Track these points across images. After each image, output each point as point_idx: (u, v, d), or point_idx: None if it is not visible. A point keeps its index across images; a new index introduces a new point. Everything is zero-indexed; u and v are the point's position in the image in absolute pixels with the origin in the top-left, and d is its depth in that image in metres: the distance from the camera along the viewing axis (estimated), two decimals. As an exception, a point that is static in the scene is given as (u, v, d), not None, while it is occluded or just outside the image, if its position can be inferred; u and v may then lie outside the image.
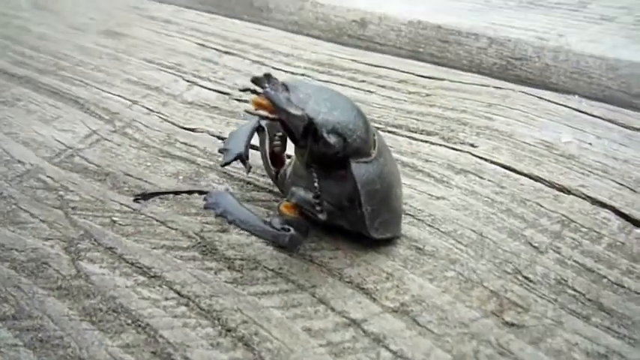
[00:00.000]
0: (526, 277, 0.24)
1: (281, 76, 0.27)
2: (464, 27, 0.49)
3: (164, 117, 0.37)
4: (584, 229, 0.26)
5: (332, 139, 0.23)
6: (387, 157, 0.25)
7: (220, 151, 0.29)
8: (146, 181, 0.31)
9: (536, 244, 0.26)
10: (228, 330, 0.22)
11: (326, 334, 0.22)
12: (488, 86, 0.39)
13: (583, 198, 0.28)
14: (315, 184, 0.23)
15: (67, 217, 0.29)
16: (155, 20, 0.54)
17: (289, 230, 0.23)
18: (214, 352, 0.21)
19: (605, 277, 0.24)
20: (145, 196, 0.29)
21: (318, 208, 0.23)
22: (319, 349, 0.21)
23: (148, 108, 0.39)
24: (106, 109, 0.39)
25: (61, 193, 0.30)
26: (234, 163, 0.28)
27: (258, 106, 0.23)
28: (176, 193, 0.27)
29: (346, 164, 0.23)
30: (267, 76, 0.23)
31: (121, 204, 0.29)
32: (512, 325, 0.22)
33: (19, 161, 0.33)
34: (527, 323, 0.22)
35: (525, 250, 0.25)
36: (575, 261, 0.25)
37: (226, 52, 0.46)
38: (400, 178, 0.27)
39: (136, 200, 0.29)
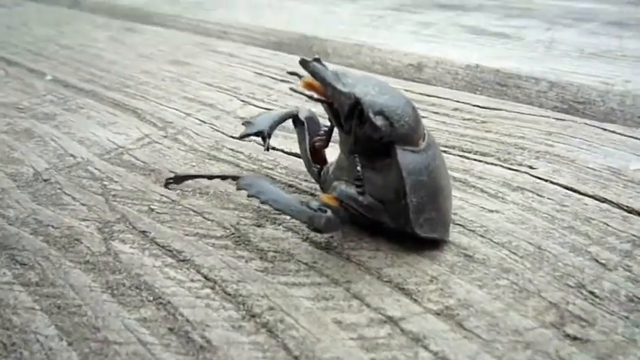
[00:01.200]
0: (591, 292, 0.21)
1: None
2: (523, 71, 0.48)
3: (215, 127, 0.38)
4: (660, 251, 0.23)
5: (378, 122, 0.22)
6: (436, 153, 0.24)
7: (244, 124, 0.28)
8: (188, 179, 0.30)
9: (603, 261, 0.23)
10: (253, 315, 0.20)
11: (358, 328, 0.20)
12: (548, 117, 0.38)
13: (657, 222, 0.25)
14: (358, 168, 0.22)
15: (107, 203, 0.28)
16: (219, 53, 0.56)
17: (326, 212, 0.22)
18: (234, 334, 0.20)
19: (687, 299, 0.20)
20: (177, 179, 0.28)
21: (359, 190, 0.22)
22: (349, 342, 0.19)
23: (200, 119, 0.39)
24: (160, 118, 0.39)
25: (105, 182, 0.30)
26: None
27: (307, 86, 0.22)
28: (210, 177, 0.26)
29: (391, 152, 0.22)
30: (317, 60, 0.22)
31: (161, 195, 0.29)
32: (576, 338, 0.19)
33: (71, 155, 0.34)
34: (593, 338, 0.19)
35: (590, 266, 0.22)
36: (650, 281, 0.21)
37: (282, 81, 0.47)
38: (449, 180, 0.25)
39: (167, 184, 0.29)
